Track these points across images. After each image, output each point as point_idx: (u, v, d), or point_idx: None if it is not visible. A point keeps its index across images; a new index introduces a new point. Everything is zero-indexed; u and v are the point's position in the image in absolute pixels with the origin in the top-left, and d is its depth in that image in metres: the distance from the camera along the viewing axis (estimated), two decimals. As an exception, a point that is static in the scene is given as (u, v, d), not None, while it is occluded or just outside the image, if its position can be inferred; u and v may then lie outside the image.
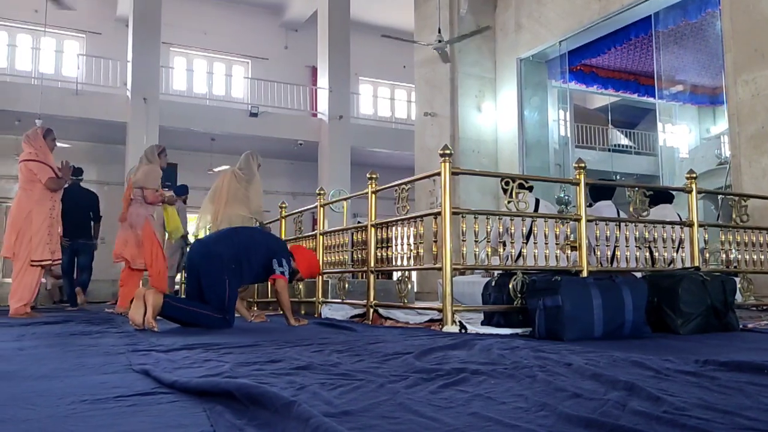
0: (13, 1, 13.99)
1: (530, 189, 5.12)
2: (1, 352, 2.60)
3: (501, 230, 4.26)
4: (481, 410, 1.35)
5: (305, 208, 6.09)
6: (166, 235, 6.79)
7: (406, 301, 4.26)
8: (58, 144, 5.92)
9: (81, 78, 13.63)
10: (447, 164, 3.78)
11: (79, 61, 14.40)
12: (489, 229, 3.88)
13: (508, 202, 3.88)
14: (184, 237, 8.93)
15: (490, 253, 3.88)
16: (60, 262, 5.76)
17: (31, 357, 2.44)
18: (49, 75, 13.79)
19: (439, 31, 8.77)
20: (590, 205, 5.13)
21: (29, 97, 11.99)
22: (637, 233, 4.35)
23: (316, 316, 5.21)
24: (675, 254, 4.52)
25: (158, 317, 3.76)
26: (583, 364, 1.90)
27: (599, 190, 5.08)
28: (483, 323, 3.77)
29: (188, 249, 8.02)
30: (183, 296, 6.13)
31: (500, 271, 3.96)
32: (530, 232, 4.00)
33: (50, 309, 7.89)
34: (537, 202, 5.04)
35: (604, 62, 10.42)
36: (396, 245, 4.45)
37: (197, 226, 5.91)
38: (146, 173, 6.01)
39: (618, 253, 4.57)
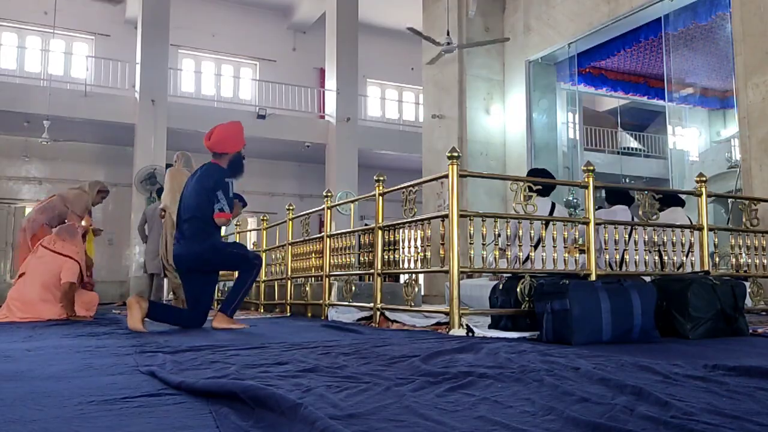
0: (22, 3, 14.09)
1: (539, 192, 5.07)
2: (10, 353, 2.61)
3: (509, 233, 4.21)
4: (488, 414, 1.34)
5: (312, 210, 6.08)
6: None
7: (413, 304, 4.25)
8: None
9: (90, 80, 13.68)
10: (455, 167, 3.77)
11: (88, 63, 14.46)
12: (497, 233, 3.86)
13: (517, 204, 3.85)
14: None
15: (497, 256, 3.86)
16: None
17: (38, 358, 2.45)
18: (58, 77, 13.86)
19: (448, 33, 8.77)
20: (601, 207, 5.10)
21: (38, 98, 12.05)
22: (647, 237, 4.32)
23: (322, 318, 5.22)
24: (684, 258, 4.49)
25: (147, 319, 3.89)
26: (590, 368, 1.89)
27: (618, 195, 5.02)
28: (490, 327, 3.76)
29: None
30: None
31: (508, 275, 3.94)
32: (540, 237, 3.97)
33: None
34: (553, 206, 4.97)
35: (614, 64, 10.38)
36: (403, 248, 4.43)
37: None
38: (77, 196, 6.02)
39: (627, 256, 4.54)
